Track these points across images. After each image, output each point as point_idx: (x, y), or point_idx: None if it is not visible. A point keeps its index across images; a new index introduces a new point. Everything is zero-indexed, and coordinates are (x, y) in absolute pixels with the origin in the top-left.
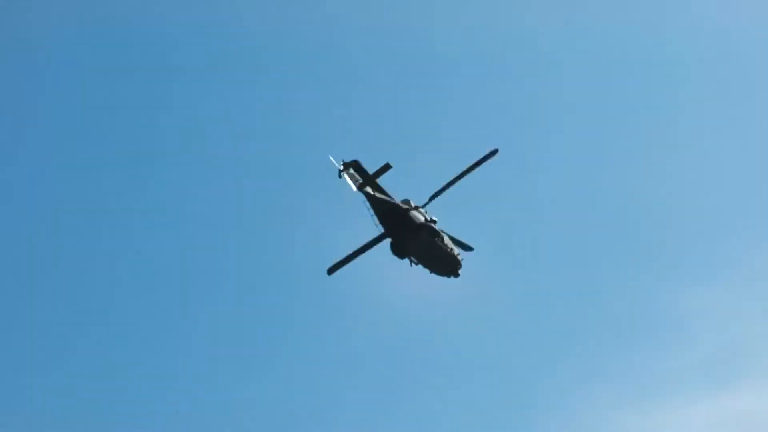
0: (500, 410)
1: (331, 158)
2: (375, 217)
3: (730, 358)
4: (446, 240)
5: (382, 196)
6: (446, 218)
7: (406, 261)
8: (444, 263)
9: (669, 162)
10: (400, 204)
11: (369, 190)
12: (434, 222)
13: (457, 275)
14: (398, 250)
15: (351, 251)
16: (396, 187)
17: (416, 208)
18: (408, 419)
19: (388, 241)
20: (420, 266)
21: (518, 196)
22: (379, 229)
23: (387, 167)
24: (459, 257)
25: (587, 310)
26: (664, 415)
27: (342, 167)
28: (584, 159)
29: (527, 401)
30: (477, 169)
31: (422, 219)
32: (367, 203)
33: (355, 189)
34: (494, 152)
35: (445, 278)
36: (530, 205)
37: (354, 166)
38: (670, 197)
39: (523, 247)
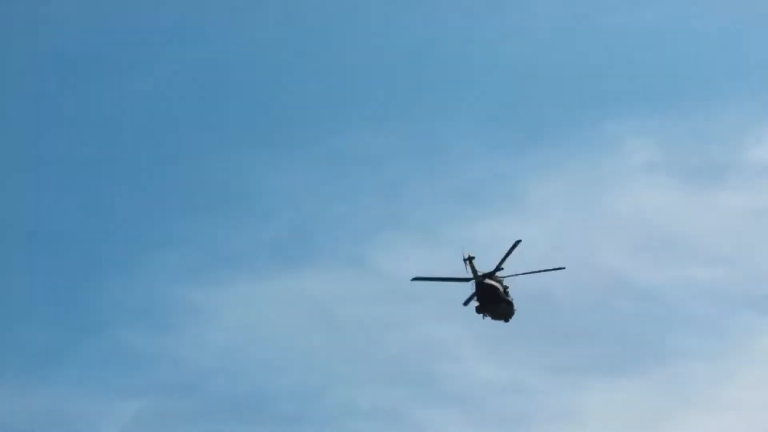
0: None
1: (462, 252)
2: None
3: (303, 237)
4: (511, 299)
5: (489, 282)
6: None
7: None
8: (506, 316)
9: None
10: (496, 285)
11: (480, 278)
12: (507, 288)
13: (508, 321)
14: (480, 311)
15: (439, 276)
16: None
17: (497, 278)
18: None
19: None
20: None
21: None
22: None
23: (499, 269)
24: (515, 309)
25: (169, 177)
26: (232, 290)
27: (467, 257)
28: None
29: (89, 268)
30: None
31: (502, 289)
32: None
33: (471, 276)
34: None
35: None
36: None
37: (473, 259)
38: None
39: None
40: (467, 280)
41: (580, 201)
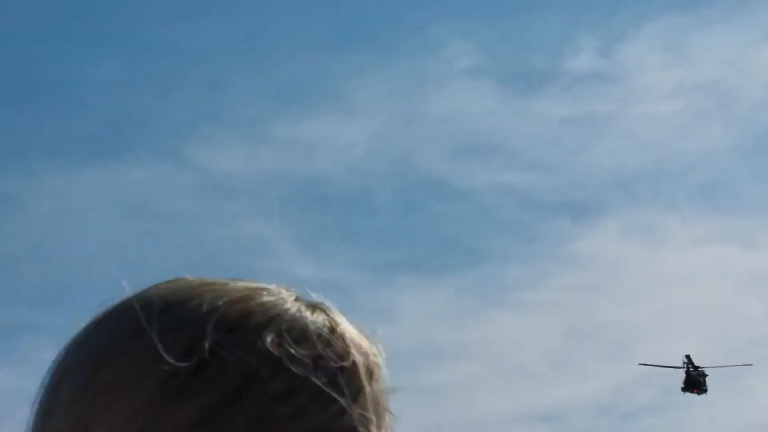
0: None
1: (683, 357)
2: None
3: (118, 130)
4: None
5: (698, 378)
6: None
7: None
8: (700, 392)
9: None
10: (701, 380)
11: (693, 370)
12: (706, 376)
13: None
14: (684, 391)
15: (666, 364)
16: None
17: (698, 371)
18: None
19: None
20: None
21: None
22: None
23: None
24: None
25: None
26: (45, 180)
27: (686, 356)
28: None
29: None
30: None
31: (703, 380)
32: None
33: (686, 365)
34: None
35: None
36: None
37: (690, 356)
38: None
39: None
40: (683, 369)
41: (402, 104)
